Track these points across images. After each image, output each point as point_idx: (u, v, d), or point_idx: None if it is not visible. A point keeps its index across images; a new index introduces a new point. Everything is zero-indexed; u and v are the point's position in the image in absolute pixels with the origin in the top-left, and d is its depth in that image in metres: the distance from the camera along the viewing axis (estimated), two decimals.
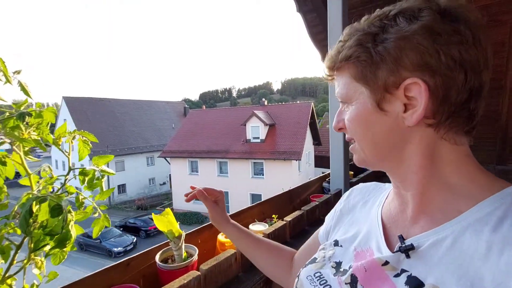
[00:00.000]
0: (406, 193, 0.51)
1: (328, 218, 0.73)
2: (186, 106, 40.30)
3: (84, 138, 0.73)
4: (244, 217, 1.48)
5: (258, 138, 19.05)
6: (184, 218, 19.43)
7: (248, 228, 1.40)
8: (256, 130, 19.14)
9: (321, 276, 0.56)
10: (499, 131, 2.93)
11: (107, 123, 27.68)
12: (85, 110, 26.97)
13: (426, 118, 0.45)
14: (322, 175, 2.17)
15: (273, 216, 1.52)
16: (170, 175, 23.05)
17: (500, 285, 0.35)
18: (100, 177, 0.75)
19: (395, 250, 0.47)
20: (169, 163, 21.69)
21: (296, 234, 1.41)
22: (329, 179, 1.89)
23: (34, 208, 0.48)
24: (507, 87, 2.61)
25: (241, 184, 18.71)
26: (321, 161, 21.16)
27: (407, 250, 0.45)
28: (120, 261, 0.92)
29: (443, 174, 0.46)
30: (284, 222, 1.34)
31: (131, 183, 26.40)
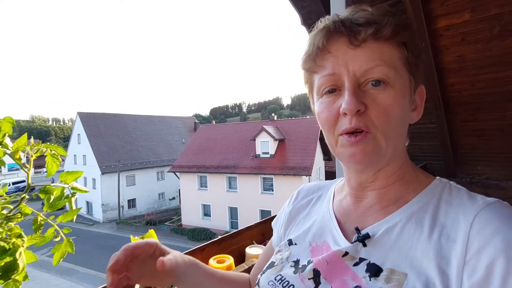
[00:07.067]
0: (368, 192, 0.54)
1: (277, 225, 0.72)
2: (197, 121, 40.88)
3: (52, 152, 0.67)
4: (242, 238, 1.38)
5: (267, 153, 18.96)
6: (192, 234, 19.22)
7: (244, 251, 1.30)
8: (265, 145, 19.07)
9: (283, 278, 0.54)
10: None
11: (120, 137, 28.26)
12: (98, 125, 27.68)
13: None
14: None
15: None
16: (179, 190, 23.09)
17: (443, 258, 0.41)
18: (70, 195, 0.69)
19: (353, 241, 0.50)
20: (179, 178, 21.77)
21: None
22: None
23: None
24: None
25: (251, 200, 18.49)
26: (332, 176, 20.38)
27: (364, 239, 0.48)
28: None
29: (406, 170, 0.53)
30: None
31: (141, 197, 26.53)
